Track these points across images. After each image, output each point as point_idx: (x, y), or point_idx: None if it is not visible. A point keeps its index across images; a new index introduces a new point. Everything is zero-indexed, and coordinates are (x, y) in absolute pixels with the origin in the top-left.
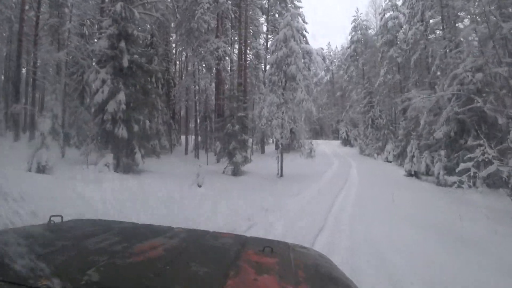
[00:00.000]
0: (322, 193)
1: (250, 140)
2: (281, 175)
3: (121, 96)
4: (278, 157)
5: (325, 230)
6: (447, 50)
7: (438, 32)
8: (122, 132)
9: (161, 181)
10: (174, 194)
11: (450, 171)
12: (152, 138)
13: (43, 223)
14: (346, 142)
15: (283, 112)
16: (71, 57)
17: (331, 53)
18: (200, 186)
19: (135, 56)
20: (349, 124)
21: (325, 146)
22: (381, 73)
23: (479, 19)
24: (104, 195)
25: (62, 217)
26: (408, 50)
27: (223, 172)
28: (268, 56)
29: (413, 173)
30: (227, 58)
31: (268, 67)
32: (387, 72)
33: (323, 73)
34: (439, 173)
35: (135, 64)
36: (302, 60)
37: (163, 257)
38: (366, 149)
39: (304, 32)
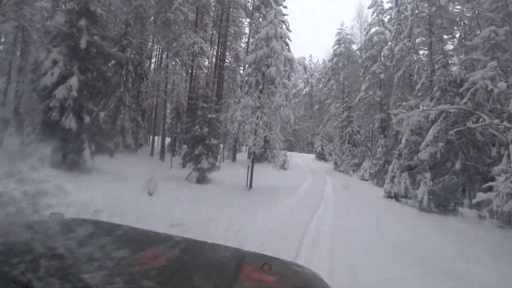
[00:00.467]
0: (295, 213)
1: (222, 146)
2: (250, 187)
3: (73, 81)
4: (248, 166)
5: None
6: (436, 67)
7: (423, 52)
8: (70, 122)
9: (107, 184)
10: (116, 202)
11: (436, 196)
12: (115, 134)
13: (43, 219)
14: (321, 156)
15: (258, 117)
16: (23, 32)
17: (312, 66)
18: (151, 194)
19: (96, 37)
20: (325, 138)
21: (299, 159)
22: (362, 88)
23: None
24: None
25: (62, 215)
26: (392, 67)
27: (187, 179)
28: (244, 47)
29: (393, 195)
30: (204, 56)
31: (246, 67)
32: (368, 87)
33: (302, 85)
34: (422, 198)
35: (95, 46)
36: (283, 68)
37: (166, 268)
38: (341, 165)
39: (287, 40)
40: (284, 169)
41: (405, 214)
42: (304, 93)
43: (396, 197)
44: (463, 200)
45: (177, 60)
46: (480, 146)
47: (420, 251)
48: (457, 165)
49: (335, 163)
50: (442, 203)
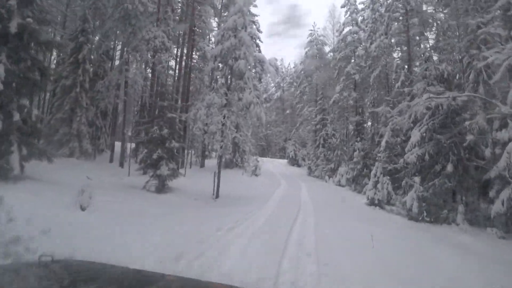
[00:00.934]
0: (268, 228)
1: (190, 152)
2: (217, 196)
3: None
4: (215, 173)
5: None
6: (417, 63)
7: (398, 54)
8: None
9: (35, 197)
10: (36, 222)
11: (427, 202)
12: (70, 138)
13: (32, 262)
14: (294, 161)
15: (224, 116)
16: None
17: (284, 70)
18: (83, 210)
19: (29, 19)
20: (298, 143)
21: (271, 165)
22: (336, 90)
23: None
24: None
25: (52, 257)
26: (367, 67)
27: (144, 187)
28: (212, 47)
29: (376, 202)
30: (166, 53)
31: (211, 61)
32: (343, 89)
33: (273, 89)
34: (412, 205)
35: (29, 31)
36: (253, 63)
37: None
38: (316, 170)
39: (258, 41)
40: (256, 175)
41: (395, 224)
42: (275, 97)
43: (380, 204)
44: (456, 207)
45: (137, 55)
46: (471, 147)
47: (437, 282)
48: (449, 168)
49: (309, 168)
50: (434, 211)
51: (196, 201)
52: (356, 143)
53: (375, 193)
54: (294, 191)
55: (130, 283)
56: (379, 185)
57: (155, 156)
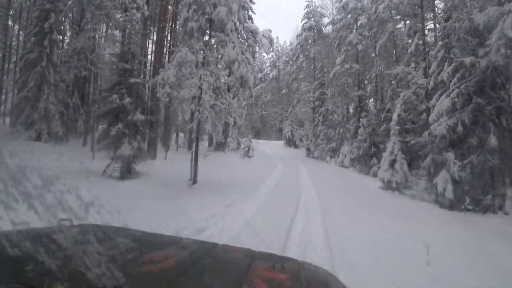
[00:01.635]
0: (246, 236)
1: (176, 131)
2: (194, 182)
3: None
4: (192, 153)
5: None
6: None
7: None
8: None
9: None
10: None
11: (466, 186)
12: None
13: (53, 226)
14: (291, 142)
15: (201, 78)
16: None
17: (279, 48)
18: None
19: None
20: (295, 123)
21: (267, 146)
22: (337, 62)
23: None
24: None
25: (71, 221)
26: (373, 35)
27: (105, 173)
28: None
29: (394, 185)
30: (138, 11)
31: (184, 10)
32: (344, 60)
33: (268, 68)
34: (444, 189)
35: None
36: (237, 10)
37: (175, 268)
38: (315, 151)
39: (251, 12)
40: (249, 157)
41: (432, 216)
42: (271, 77)
43: (398, 188)
44: (504, 191)
45: (105, 18)
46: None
47: None
48: (492, 141)
49: (308, 149)
50: (475, 197)
51: (165, 188)
52: (361, 119)
53: (392, 175)
54: (292, 174)
55: (150, 244)
56: (397, 165)
57: (113, 131)
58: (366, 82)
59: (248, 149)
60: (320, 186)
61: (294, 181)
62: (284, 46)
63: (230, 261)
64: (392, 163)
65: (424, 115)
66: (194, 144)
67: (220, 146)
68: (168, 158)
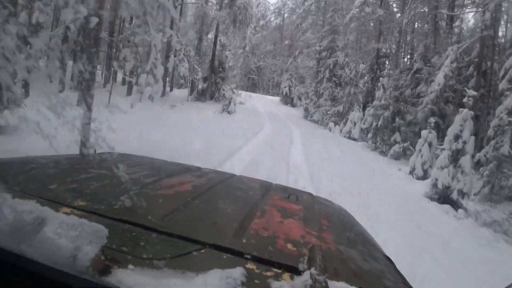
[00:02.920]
0: None
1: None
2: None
3: None
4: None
5: None
6: None
7: None
8: None
9: None
10: None
11: None
12: None
13: (76, 153)
14: (287, 100)
15: None
16: None
17: None
18: None
19: None
20: (295, 78)
21: (260, 102)
22: (355, 4)
23: None
24: None
25: (95, 149)
26: None
27: None
28: None
29: (455, 195)
30: None
31: None
32: (365, 3)
33: (272, 16)
34: None
35: None
36: None
37: (192, 192)
38: (315, 113)
39: None
40: (229, 112)
41: None
42: (274, 25)
43: (458, 203)
44: None
45: None
46: None
47: None
48: None
49: (306, 110)
50: None
51: None
52: (382, 78)
53: (453, 177)
54: (280, 147)
55: (169, 171)
56: (464, 161)
57: None
58: (385, 37)
59: (229, 103)
60: (322, 178)
61: (281, 162)
62: None
63: (246, 189)
64: (456, 157)
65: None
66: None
67: (201, 96)
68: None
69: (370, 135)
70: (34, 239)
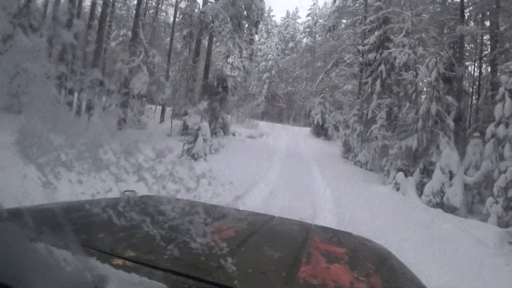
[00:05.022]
0: None
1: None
2: None
3: None
4: None
5: None
6: None
7: None
8: None
9: None
10: None
11: None
12: None
13: (119, 197)
14: (320, 130)
15: None
16: None
17: (317, 11)
18: None
19: None
20: (329, 101)
21: (282, 134)
22: None
23: None
24: None
25: (135, 192)
26: None
27: None
28: None
29: None
30: None
31: None
32: None
33: (301, 35)
34: None
35: None
36: None
37: (235, 238)
38: (362, 151)
39: None
40: (194, 158)
41: None
42: (303, 45)
43: None
44: None
45: None
46: None
47: None
48: None
49: (346, 144)
50: None
51: None
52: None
53: None
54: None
55: (211, 214)
56: None
57: None
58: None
59: (195, 139)
60: None
61: None
62: (324, 9)
63: (288, 232)
64: None
65: None
66: None
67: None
68: None
69: (493, 203)
70: None
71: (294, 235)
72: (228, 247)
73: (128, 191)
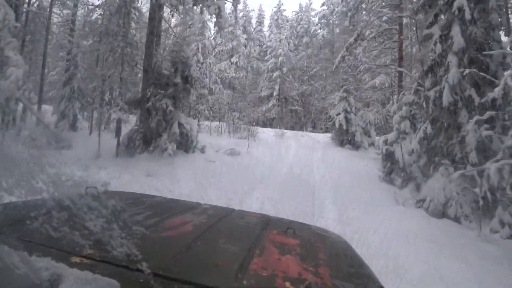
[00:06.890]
0: None
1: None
2: None
3: None
4: None
5: None
6: None
7: None
8: None
9: None
10: None
11: None
12: None
13: (80, 193)
14: (343, 136)
15: None
16: None
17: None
18: None
19: None
20: (354, 96)
21: (294, 143)
22: None
23: None
24: None
25: (96, 188)
26: None
27: None
28: None
29: None
30: None
31: None
32: None
33: (316, 26)
34: None
35: None
36: None
37: (193, 232)
38: (411, 168)
39: None
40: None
41: None
42: (320, 37)
43: None
44: None
45: None
46: None
47: None
48: None
49: (387, 158)
50: None
51: None
52: None
53: None
54: None
55: (171, 208)
56: None
57: None
58: None
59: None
60: None
61: None
62: None
63: (245, 226)
64: None
65: None
66: None
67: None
68: None
69: None
70: None
71: (251, 228)
72: (185, 241)
73: (90, 187)
